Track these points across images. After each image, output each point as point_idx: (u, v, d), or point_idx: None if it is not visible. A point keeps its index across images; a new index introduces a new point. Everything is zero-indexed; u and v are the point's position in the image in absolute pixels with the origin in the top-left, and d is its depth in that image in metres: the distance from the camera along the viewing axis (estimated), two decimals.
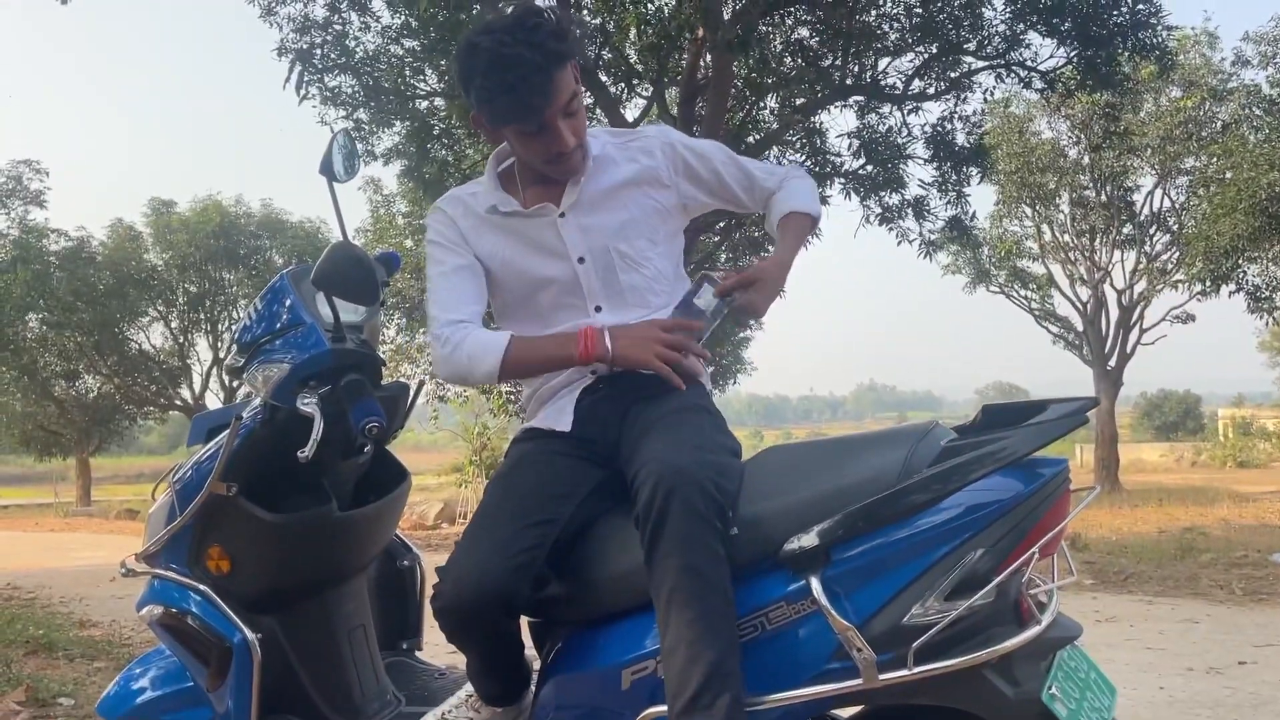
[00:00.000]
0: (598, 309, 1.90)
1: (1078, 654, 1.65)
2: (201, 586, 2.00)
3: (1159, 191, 21.06)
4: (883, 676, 1.48)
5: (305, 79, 9.67)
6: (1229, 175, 13.72)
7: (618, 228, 1.92)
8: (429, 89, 10.70)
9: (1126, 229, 21.54)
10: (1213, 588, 6.38)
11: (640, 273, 1.94)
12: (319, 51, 9.84)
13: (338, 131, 2.04)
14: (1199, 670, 4.20)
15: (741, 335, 18.71)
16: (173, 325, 26.33)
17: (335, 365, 1.91)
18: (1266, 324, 15.61)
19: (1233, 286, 14.86)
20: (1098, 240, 21.88)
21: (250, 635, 1.94)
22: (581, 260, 1.90)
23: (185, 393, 26.62)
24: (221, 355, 25.64)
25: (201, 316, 26.33)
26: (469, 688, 2.04)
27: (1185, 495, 16.45)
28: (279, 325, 2.00)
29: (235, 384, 23.73)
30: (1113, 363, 22.04)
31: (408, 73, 10.44)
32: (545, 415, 1.94)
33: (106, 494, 28.79)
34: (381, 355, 2.14)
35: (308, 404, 1.82)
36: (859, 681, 1.49)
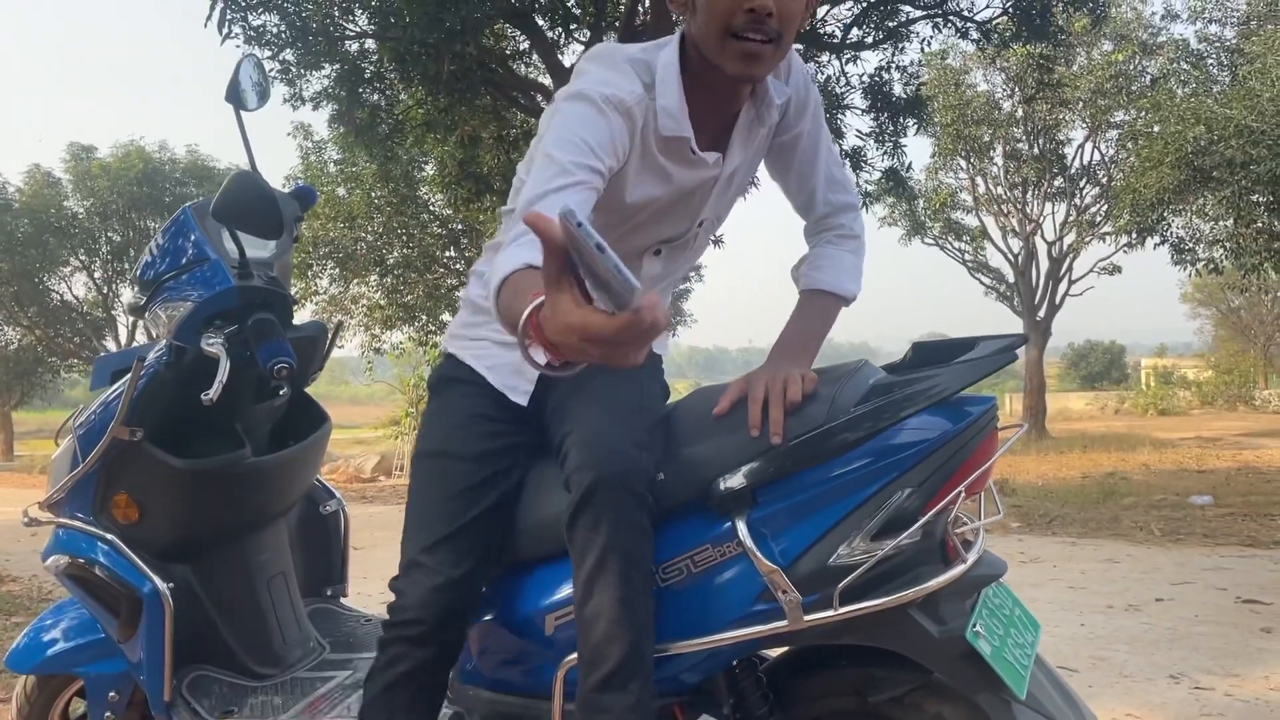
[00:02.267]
0: (657, 252, 1.66)
1: (1002, 591, 1.65)
2: (109, 535, 1.93)
3: (1089, 145, 21.44)
4: (808, 618, 1.46)
5: (228, 17, 9.29)
6: (1156, 129, 13.92)
7: (731, 198, 1.71)
8: (359, 29, 10.36)
9: (1058, 182, 21.89)
10: (1133, 529, 6.59)
11: (706, 236, 1.74)
12: None
13: (244, 57, 1.94)
14: (1119, 607, 4.33)
15: (681, 288, 18.69)
16: (95, 275, 25.53)
17: (243, 303, 1.83)
18: (1189, 276, 15.98)
19: (1158, 239, 15.16)
20: (1030, 193, 22.21)
21: (161, 585, 1.87)
22: (702, 224, 1.67)
23: (110, 344, 25.89)
24: None
25: (126, 266, 25.52)
26: None
27: (1109, 442, 16.95)
28: (183, 261, 1.91)
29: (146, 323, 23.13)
30: (1042, 313, 22.50)
31: (336, 12, 10.08)
32: (499, 368, 1.66)
33: (30, 449, 27.95)
34: (312, 307, 2.06)
35: (213, 344, 1.74)
36: (784, 623, 1.47)
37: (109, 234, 25.16)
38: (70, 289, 25.60)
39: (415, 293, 16.54)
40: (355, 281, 17.26)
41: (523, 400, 1.64)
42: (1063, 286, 22.55)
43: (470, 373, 1.67)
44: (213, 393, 1.69)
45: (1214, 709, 3.00)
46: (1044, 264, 22.57)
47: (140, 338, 25.69)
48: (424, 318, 16.79)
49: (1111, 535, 6.41)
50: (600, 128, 1.41)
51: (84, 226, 24.92)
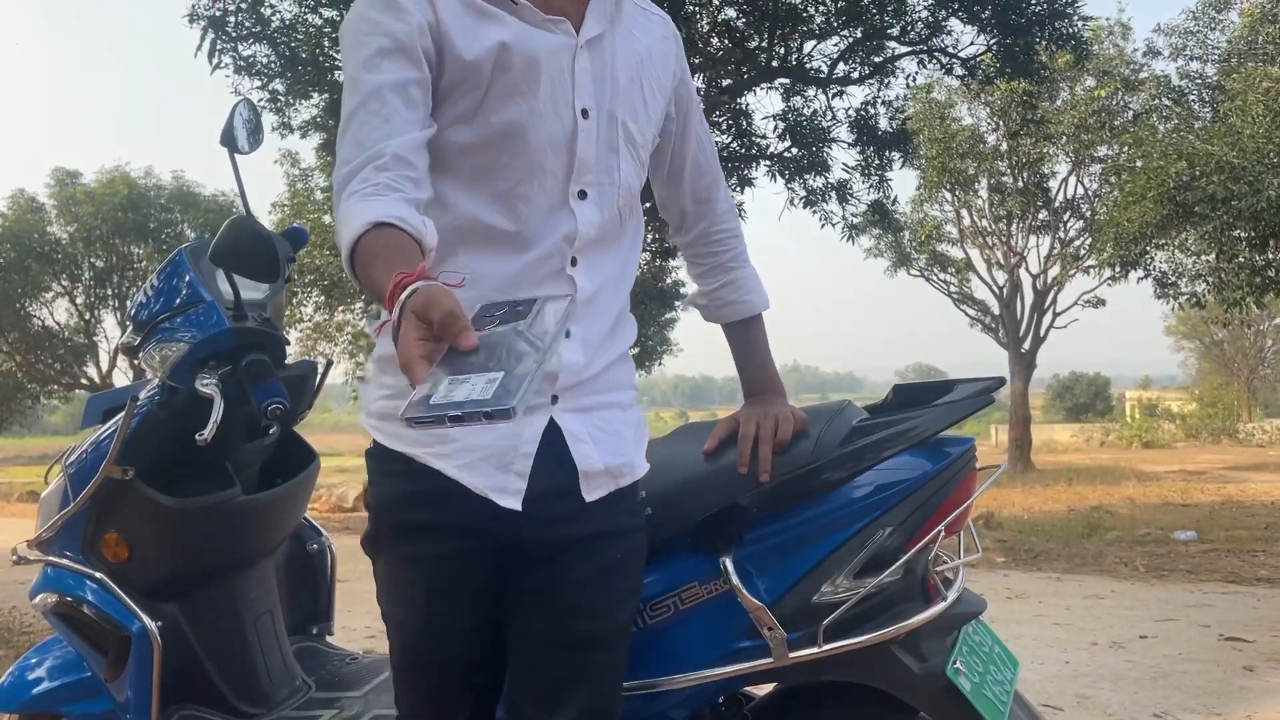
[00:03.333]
0: (582, 194, 1.34)
1: (982, 628, 1.68)
2: (98, 574, 1.93)
3: (1073, 178, 21.66)
4: (793, 654, 1.49)
5: (218, 47, 9.36)
6: (1139, 164, 14.10)
7: (632, 102, 1.41)
8: None
9: (1042, 215, 22.09)
10: (1118, 564, 6.62)
11: (636, 174, 1.43)
12: (233, 19, 9.52)
13: (239, 101, 1.97)
14: (1103, 644, 4.35)
15: (667, 317, 18.75)
16: (78, 301, 25.37)
17: (236, 345, 1.85)
18: (1172, 309, 16.13)
19: (1141, 273, 15.32)
20: (1014, 225, 22.40)
21: (150, 623, 1.88)
22: (585, 115, 1.34)
23: (92, 371, 25.70)
24: None
25: (109, 292, 25.37)
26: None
27: (1094, 474, 17.02)
28: (177, 302, 1.93)
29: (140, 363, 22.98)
30: (1027, 345, 22.64)
31: (326, 43, 10.16)
32: (477, 464, 1.27)
33: (8, 475, 27.69)
34: (296, 334, 2.08)
35: (207, 385, 1.76)
36: (770, 660, 1.50)
37: (92, 260, 24.99)
38: (52, 314, 25.43)
39: None
40: (340, 309, 17.26)
41: (514, 503, 1.27)
42: (1047, 319, 22.71)
43: (426, 487, 1.28)
44: (208, 433, 1.71)
45: None
46: (1029, 296, 22.75)
47: (121, 365, 25.55)
48: None
49: (1096, 571, 6.44)
50: (395, 89, 1.26)
51: (67, 252, 24.76)
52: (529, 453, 1.29)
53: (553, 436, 1.31)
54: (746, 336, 1.64)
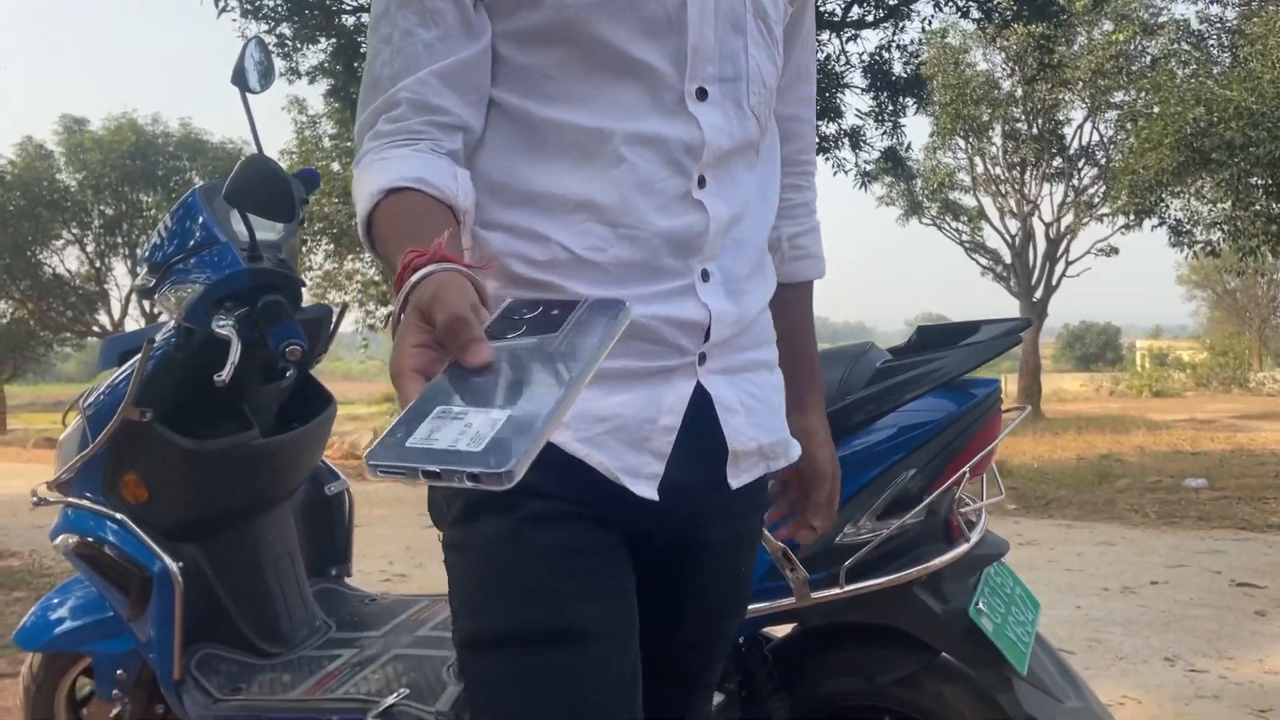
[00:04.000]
0: (701, 94, 0.99)
1: (1004, 570, 1.68)
2: (118, 515, 1.94)
3: (1089, 125, 21.39)
4: (815, 595, 1.49)
5: None
6: (1156, 110, 13.87)
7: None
8: (356, 4, 10.30)
9: (1056, 162, 21.85)
10: (1128, 512, 6.63)
11: (770, 60, 1.06)
12: None
13: (250, 40, 1.93)
14: (1114, 590, 4.37)
15: None
16: (88, 249, 25.40)
17: (252, 286, 1.84)
18: (1186, 258, 15.99)
19: (1155, 221, 15.16)
20: (1028, 173, 22.17)
21: (171, 564, 1.89)
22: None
23: (104, 318, 25.81)
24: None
25: (119, 240, 25.40)
26: None
27: (1103, 423, 17.01)
28: (191, 244, 1.91)
29: (155, 309, 23.06)
30: (1038, 294, 22.51)
31: None
32: (610, 435, 0.96)
33: (24, 422, 27.92)
34: (307, 282, 2.06)
35: (224, 326, 1.75)
36: (791, 601, 1.50)
37: (101, 207, 25.00)
38: (62, 262, 25.49)
39: None
40: (350, 257, 17.26)
41: (649, 490, 0.98)
42: (1059, 268, 22.57)
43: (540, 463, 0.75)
44: (225, 374, 1.70)
45: (1208, 691, 3.04)
46: (1041, 245, 22.58)
47: (133, 312, 25.66)
48: None
49: (1107, 518, 6.46)
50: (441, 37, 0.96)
51: (76, 200, 24.76)
52: (671, 426, 0.99)
53: (698, 406, 1.02)
54: (804, 306, 1.26)
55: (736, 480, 1.06)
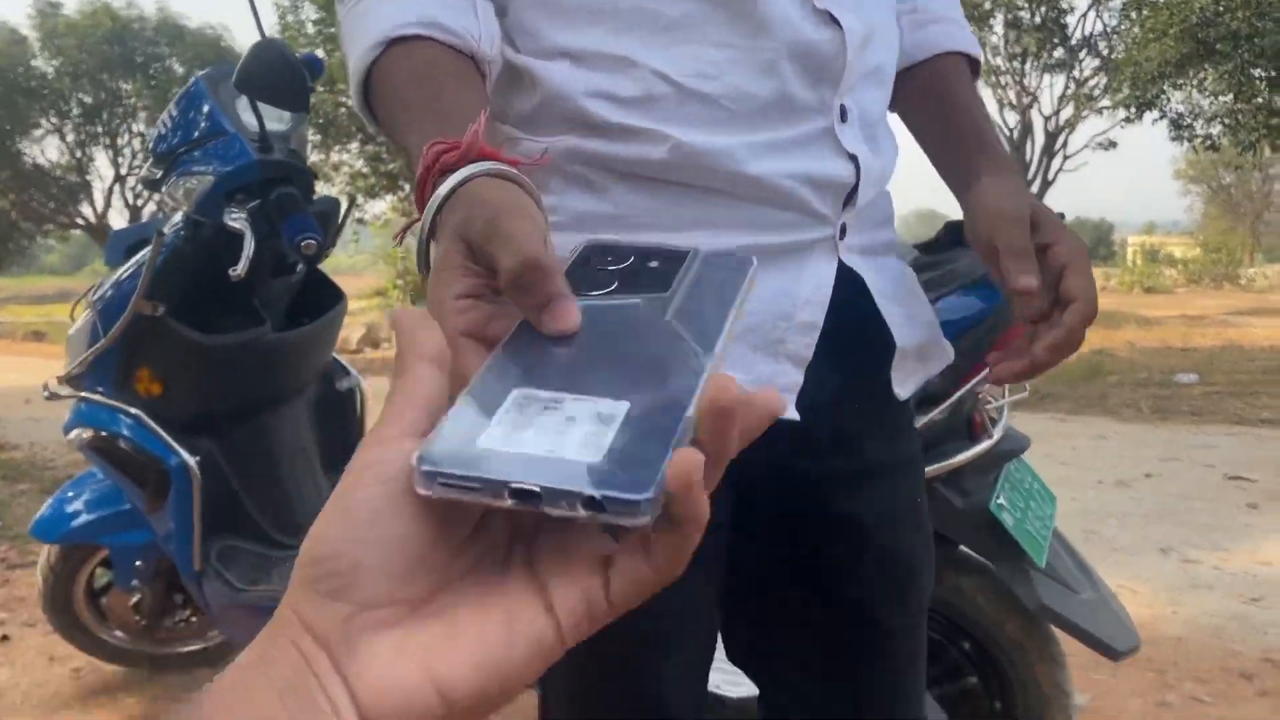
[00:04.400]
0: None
1: (1023, 466, 1.69)
2: (132, 410, 1.93)
3: (1092, 14, 20.92)
4: None
5: None
6: None
7: None
8: None
9: (1058, 53, 21.42)
10: (1121, 406, 6.70)
11: None
12: None
13: None
14: (1108, 483, 4.44)
15: None
16: (68, 138, 24.87)
17: (264, 178, 1.79)
18: (1184, 153, 15.86)
19: (1156, 114, 14.95)
20: (1029, 64, 21.75)
21: (188, 458, 1.89)
22: None
23: (87, 211, 25.46)
24: (123, 171, 24.42)
25: (99, 129, 24.86)
26: None
27: (1095, 319, 17.09)
28: (197, 134, 1.85)
29: (140, 202, 22.76)
30: (1035, 189, 22.34)
31: None
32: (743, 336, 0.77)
33: (10, 315, 27.78)
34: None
35: (236, 219, 1.71)
36: None
37: (80, 95, 24.40)
38: (43, 152, 25.00)
39: (399, 160, 16.24)
40: (336, 149, 16.92)
41: (787, 407, 0.77)
42: (1056, 161, 22.35)
43: None
44: (240, 268, 1.67)
45: (1202, 581, 3.12)
46: (1039, 139, 22.31)
47: (117, 203, 25.28)
48: (407, 186, 16.53)
49: (1100, 412, 6.52)
50: None
51: (53, 87, 24.15)
52: (813, 322, 0.78)
53: (841, 294, 0.80)
54: (950, 80, 0.93)
55: (903, 388, 0.87)
